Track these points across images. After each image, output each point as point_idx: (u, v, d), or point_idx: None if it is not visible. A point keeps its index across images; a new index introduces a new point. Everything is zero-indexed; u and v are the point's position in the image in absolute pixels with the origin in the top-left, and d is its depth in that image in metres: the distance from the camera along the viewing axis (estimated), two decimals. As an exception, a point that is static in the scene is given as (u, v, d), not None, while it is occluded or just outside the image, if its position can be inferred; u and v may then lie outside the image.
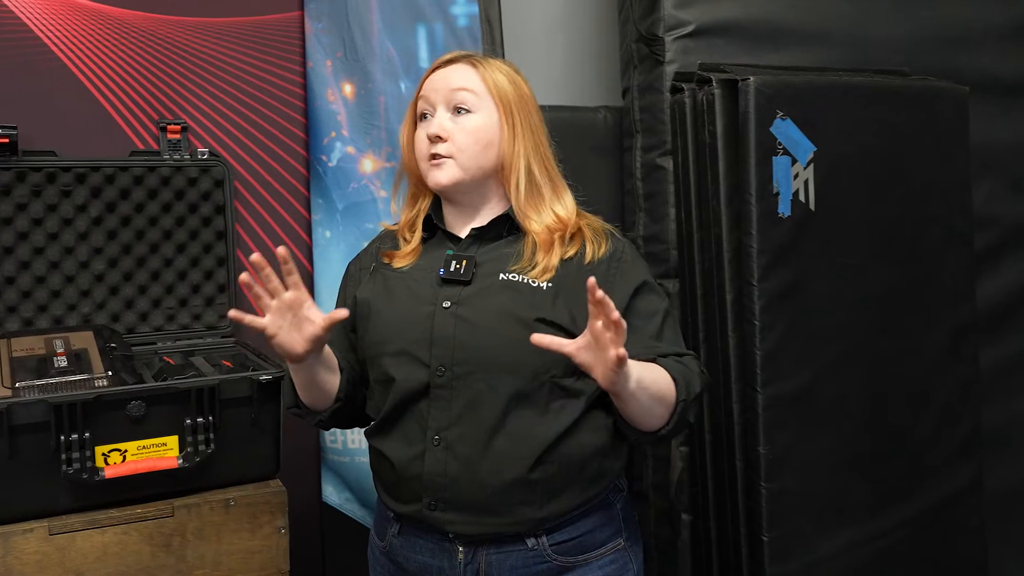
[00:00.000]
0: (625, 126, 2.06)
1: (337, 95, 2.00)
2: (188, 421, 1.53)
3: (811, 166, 1.81)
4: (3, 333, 1.72)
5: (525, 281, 1.25)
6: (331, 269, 2.00)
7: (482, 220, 1.33)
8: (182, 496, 1.53)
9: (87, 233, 1.82)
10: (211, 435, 1.54)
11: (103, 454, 1.47)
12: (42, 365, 1.54)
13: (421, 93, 1.35)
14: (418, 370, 1.24)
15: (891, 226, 1.93)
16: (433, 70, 1.35)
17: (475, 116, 1.30)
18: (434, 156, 1.30)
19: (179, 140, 1.89)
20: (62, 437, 1.43)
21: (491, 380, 1.22)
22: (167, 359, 1.76)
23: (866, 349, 1.89)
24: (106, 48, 1.89)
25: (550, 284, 1.25)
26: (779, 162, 1.78)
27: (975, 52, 2.21)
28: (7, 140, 1.71)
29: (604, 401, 1.24)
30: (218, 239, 1.92)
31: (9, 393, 1.45)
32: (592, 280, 1.05)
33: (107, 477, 1.45)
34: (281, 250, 1.13)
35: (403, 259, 1.34)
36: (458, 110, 1.31)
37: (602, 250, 1.29)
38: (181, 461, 1.51)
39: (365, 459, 1.80)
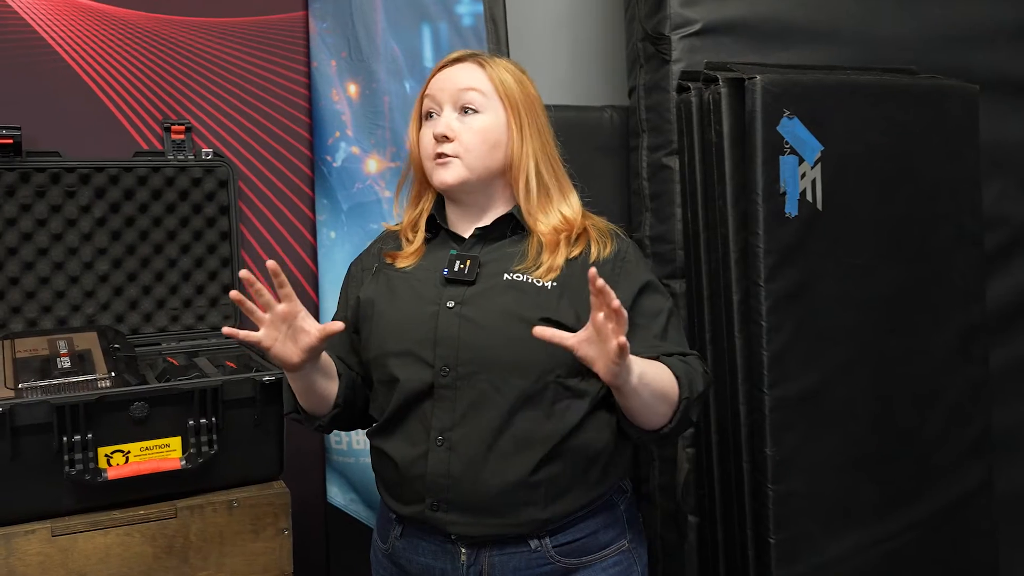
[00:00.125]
0: (631, 125, 2.05)
1: (341, 95, 1.99)
2: (191, 422, 1.52)
3: (818, 165, 1.80)
4: (7, 334, 1.72)
5: (530, 281, 1.24)
6: (336, 270, 2.00)
7: (486, 220, 1.33)
8: (185, 497, 1.53)
9: (91, 234, 1.82)
10: (214, 436, 1.53)
11: (106, 455, 1.47)
12: (45, 366, 1.54)
13: (427, 92, 1.34)
14: (422, 370, 1.24)
15: (899, 226, 1.92)
16: (439, 69, 1.34)
17: (483, 116, 1.30)
18: (440, 155, 1.29)
19: (183, 140, 1.89)
20: (65, 438, 1.43)
21: (495, 380, 1.21)
22: (171, 360, 1.75)
23: (874, 350, 1.88)
24: (110, 48, 1.89)
25: (555, 284, 1.24)
26: (786, 161, 1.76)
27: (985, 50, 2.20)
28: (11, 141, 1.71)
29: (608, 402, 1.23)
30: (222, 240, 1.92)
31: (12, 394, 1.45)
32: (593, 270, 1.04)
33: (110, 478, 1.45)
34: (271, 263, 1.13)
35: (406, 259, 1.33)
36: (465, 110, 1.30)
37: (607, 250, 1.29)
38: (184, 462, 1.51)
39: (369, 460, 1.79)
